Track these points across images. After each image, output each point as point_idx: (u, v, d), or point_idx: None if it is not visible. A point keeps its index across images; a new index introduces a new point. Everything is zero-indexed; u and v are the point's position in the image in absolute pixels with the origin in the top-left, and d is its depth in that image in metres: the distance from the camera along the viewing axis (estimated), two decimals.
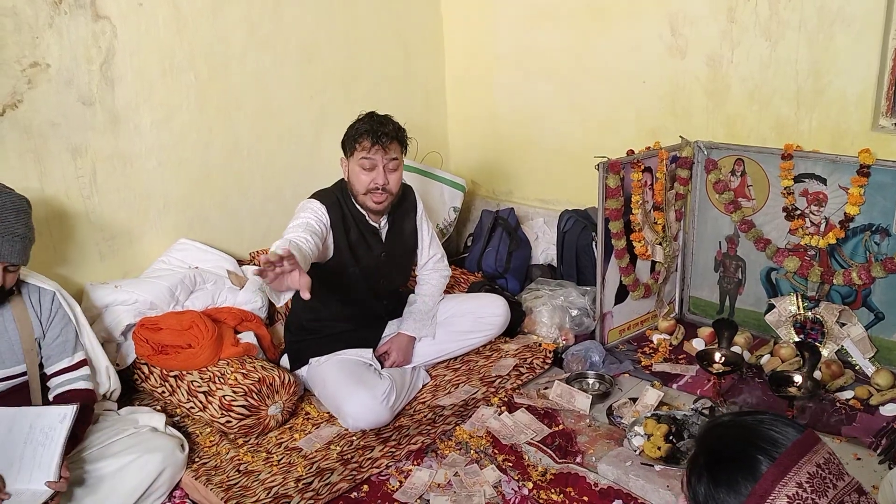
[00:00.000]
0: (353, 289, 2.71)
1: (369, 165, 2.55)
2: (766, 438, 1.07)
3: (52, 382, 2.27)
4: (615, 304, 3.16)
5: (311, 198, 2.63)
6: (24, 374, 2.21)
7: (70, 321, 2.31)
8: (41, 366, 2.26)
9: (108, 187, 2.83)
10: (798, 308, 2.99)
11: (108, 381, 2.45)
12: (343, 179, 2.70)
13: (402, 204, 2.80)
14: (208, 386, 2.49)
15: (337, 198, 2.64)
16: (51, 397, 2.26)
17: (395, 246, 2.79)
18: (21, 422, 2.06)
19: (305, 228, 2.45)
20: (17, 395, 2.19)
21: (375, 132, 2.53)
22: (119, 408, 2.49)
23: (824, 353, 2.88)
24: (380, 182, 2.56)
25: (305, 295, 1.96)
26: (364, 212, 2.67)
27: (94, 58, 2.69)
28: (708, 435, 1.16)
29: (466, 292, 3.36)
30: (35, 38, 2.54)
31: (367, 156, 2.54)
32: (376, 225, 2.72)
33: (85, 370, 2.33)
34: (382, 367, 2.73)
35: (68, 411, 2.06)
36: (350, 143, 2.58)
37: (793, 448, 1.05)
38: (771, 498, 1.02)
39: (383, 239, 2.74)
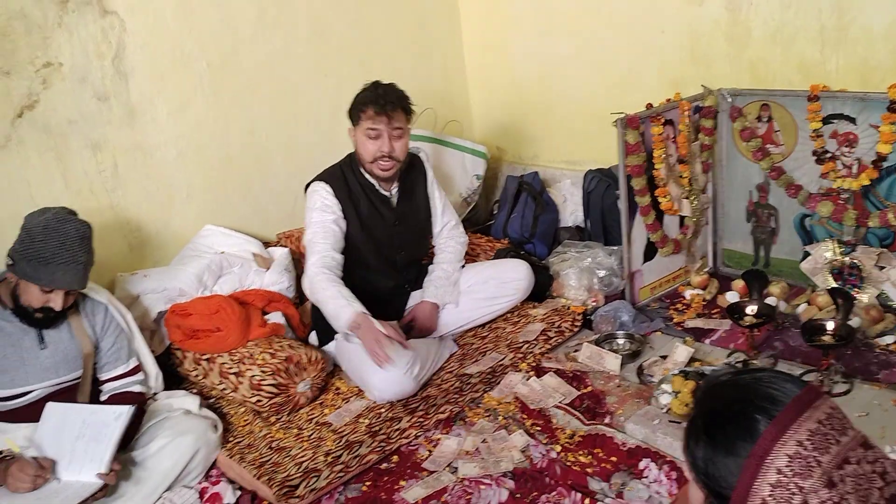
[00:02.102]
0: (372, 261, 2.74)
1: (374, 135, 2.60)
2: (765, 396, 1.03)
3: (106, 387, 2.37)
4: (644, 261, 3.11)
5: (316, 180, 2.68)
6: (77, 378, 2.30)
7: (123, 330, 2.40)
8: (95, 371, 2.34)
9: (130, 179, 2.89)
10: (834, 254, 2.90)
11: (156, 385, 2.54)
12: (352, 153, 2.73)
13: (411, 171, 2.83)
14: (238, 367, 2.54)
15: (342, 172, 2.70)
16: (103, 398, 2.35)
17: (408, 213, 2.82)
18: (73, 417, 2.15)
19: (325, 238, 2.58)
20: (65, 394, 2.28)
21: (379, 101, 2.58)
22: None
23: (864, 298, 2.79)
24: (385, 150, 2.62)
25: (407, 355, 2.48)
26: (373, 181, 2.70)
27: (106, 53, 2.74)
28: (705, 397, 1.12)
29: (493, 259, 3.34)
30: (45, 38, 2.59)
31: (372, 126, 2.60)
32: (387, 193, 2.75)
33: (140, 375, 2.42)
34: (408, 337, 2.74)
35: (124, 410, 2.14)
36: (355, 112, 2.64)
37: (791, 405, 1.01)
38: (770, 458, 0.98)
39: (395, 205, 2.77)
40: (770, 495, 0.97)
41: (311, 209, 2.67)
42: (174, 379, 2.73)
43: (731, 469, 1.01)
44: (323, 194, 2.66)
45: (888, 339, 2.60)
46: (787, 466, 0.97)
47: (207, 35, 3.01)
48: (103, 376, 2.36)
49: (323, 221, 2.62)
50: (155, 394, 2.51)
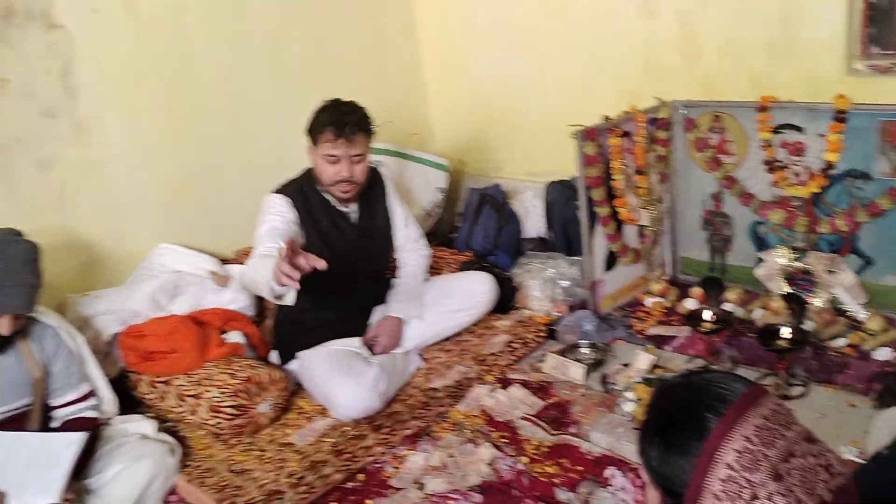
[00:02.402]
0: (333, 277, 2.69)
1: (333, 160, 2.54)
2: (714, 396, 1.06)
3: (57, 413, 2.28)
4: (605, 271, 3.13)
5: (274, 192, 2.62)
6: (27, 405, 2.21)
7: (74, 354, 2.32)
8: (45, 397, 2.25)
9: (80, 198, 2.80)
10: (787, 260, 2.96)
11: (111, 410, 2.45)
12: (310, 168, 2.69)
13: (371, 186, 2.79)
14: (196, 389, 2.48)
15: (301, 187, 2.64)
16: (55, 425, 2.27)
17: (369, 229, 2.78)
18: (23, 446, 2.07)
19: (271, 235, 2.46)
20: (15, 422, 2.19)
21: (339, 124, 2.49)
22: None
23: (817, 302, 2.85)
24: (345, 175, 2.56)
25: (321, 264, 2.06)
26: (330, 197, 2.66)
27: (52, 68, 2.66)
28: (657, 399, 1.16)
29: (457, 272, 3.33)
30: None
31: (330, 152, 2.53)
32: (346, 210, 2.71)
33: (93, 400, 2.34)
34: (373, 354, 2.71)
35: (76, 437, 2.07)
36: (314, 133, 2.56)
37: (738, 403, 1.04)
38: (720, 454, 1.01)
39: (356, 221, 2.73)
40: (721, 490, 1.00)
41: (263, 215, 2.58)
42: (129, 403, 2.64)
43: (683, 467, 1.04)
44: (280, 203, 2.58)
45: (841, 342, 2.66)
46: (735, 461, 1.00)
47: (160, 49, 2.95)
48: (54, 402, 2.27)
49: (272, 222, 2.52)
50: (109, 419, 2.43)
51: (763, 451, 1.00)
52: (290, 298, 2.21)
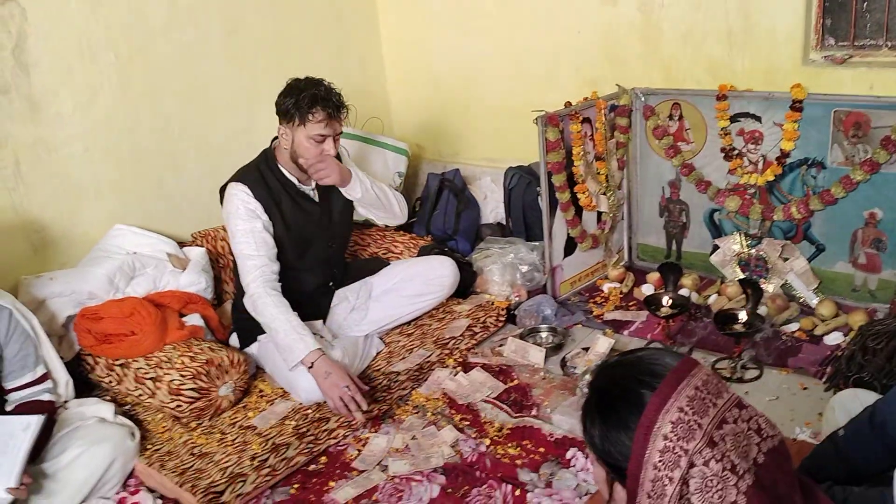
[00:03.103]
0: (301, 259, 2.68)
1: (321, 139, 2.49)
2: (647, 372, 1.11)
3: (12, 396, 2.21)
4: (564, 256, 3.17)
5: (232, 181, 2.56)
6: None
7: (29, 336, 2.25)
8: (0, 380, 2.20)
9: (33, 177, 2.72)
10: (741, 246, 3.03)
11: (66, 393, 2.39)
12: (267, 150, 2.65)
13: None
14: (155, 372, 2.44)
15: (259, 171, 2.59)
16: (9, 409, 2.20)
17: (330, 205, 2.75)
18: None
19: (258, 249, 2.49)
20: None
21: (328, 104, 2.46)
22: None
23: (769, 288, 2.93)
24: (332, 153, 2.53)
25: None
26: (294, 177, 2.62)
27: (5, 43, 2.57)
28: (595, 378, 1.20)
29: (417, 256, 3.33)
30: None
31: (322, 131, 2.47)
32: (307, 188, 2.68)
33: (48, 383, 2.28)
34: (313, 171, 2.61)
35: (33, 420, 2.02)
36: (300, 112, 2.45)
37: (671, 376, 1.09)
38: (657, 426, 1.05)
39: (317, 199, 2.71)
40: (660, 461, 1.04)
41: (233, 216, 2.52)
42: (85, 386, 2.59)
43: (624, 442, 1.08)
44: (243, 197, 2.52)
45: (793, 327, 2.75)
46: (671, 432, 1.05)
47: (116, 26, 2.87)
48: (9, 385, 2.21)
49: (252, 231, 2.49)
50: (65, 402, 2.38)
51: (697, 420, 1.05)
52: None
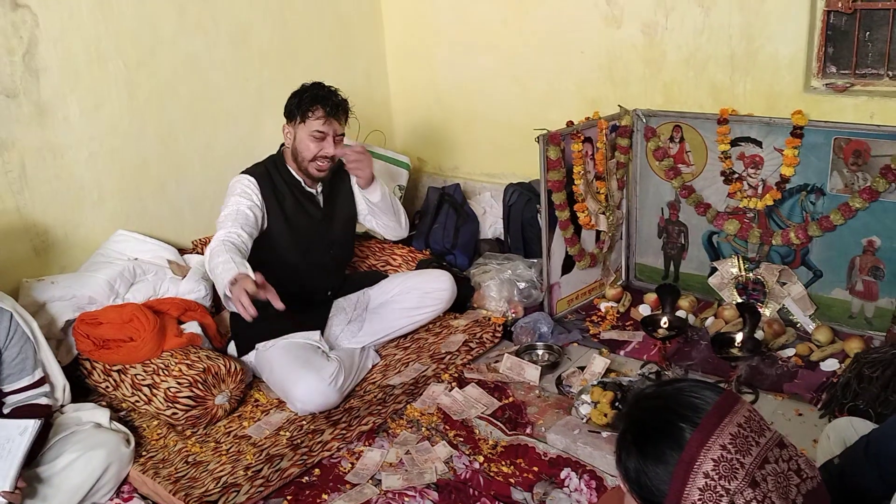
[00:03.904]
0: (300, 262, 2.71)
1: (320, 136, 2.62)
2: (687, 405, 1.09)
3: (9, 399, 2.23)
4: (562, 274, 3.18)
5: (241, 173, 2.68)
6: None
7: (28, 339, 2.27)
8: None
9: (38, 181, 2.75)
10: (739, 270, 3.05)
11: (63, 397, 2.41)
12: (276, 154, 2.75)
13: (336, 176, 2.84)
14: (152, 378, 2.45)
15: (268, 168, 2.71)
16: (6, 411, 2.21)
17: (335, 212, 2.82)
18: None
19: (236, 219, 2.49)
20: None
21: (330, 103, 2.60)
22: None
23: (766, 312, 2.94)
24: (329, 152, 2.64)
25: (279, 305, 2.18)
26: (300, 178, 2.72)
27: (16, 48, 2.60)
28: (632, 410, 1.17)
29: (415, 270, 3.35)
30: None
31: (321, 128, 2.61)
32: (312, 191, 2.77)
33: (46, 387, 2.30)
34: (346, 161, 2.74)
35: (30, 424, 2.02)
36: (302, 109, 2.62)
37: (713, 411, 1.07)
38: (698, 463, 1.03)
39: (322, 204, 2.78)
40: (699, 499, 1.02)
41: (229, 195, 2.63)
42: (81, 391, 2.61)
43: (661, 477, 1.06)
44: (245, 183, 2.63)
45: (789, 352, 2.75)
46: (713, 470, 1.03)
47: (125, 34, 2.90)
48: (6, 388, 2.22)
49: (237, 204, 2.56)
50: (62, 406, 2.39)
51: (739, 459, 1.03)
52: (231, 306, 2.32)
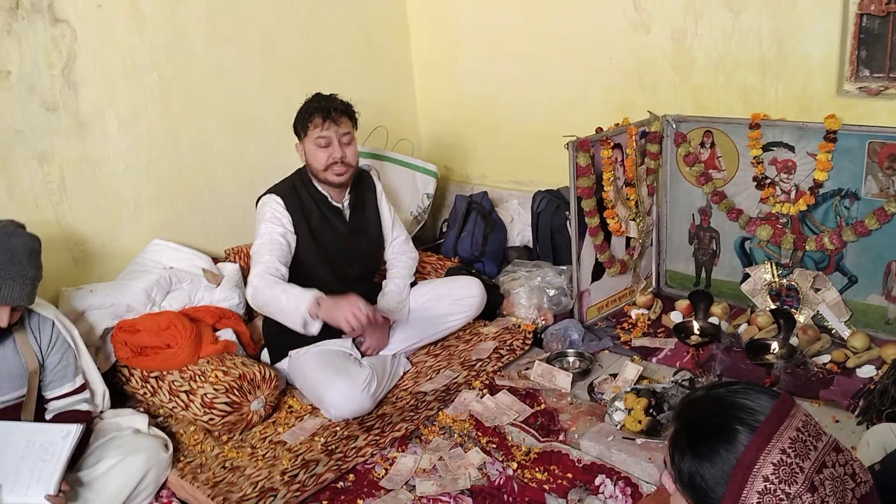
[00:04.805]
0: (324, 275, 2.73)
1: (325, 143, 2.65)
2: (742, 408, 1.09)
3: (51, 405, 2.28)
4: (592, 281, 3.18)
5: (266, 193, 2.72)
6: (22, 397, 2.21)
7: (70, 347, 2.32)
8: (39, 389, 2.25)
9: (77, 192, 2.81)
10: (772, 276, 3.02)
11: (103, 404, 2.45)
12: (302, 168, 2.78)
13: (361, 185, 2.88)
14: (189, 385, 2.49)
15: (293, 184, 2.74)
16: (48, 417, 2.26)
17: (360, 227, 2.84)
18: (17, 436, 2.07)
19: (271, 250, 2.57)
20: (8, 414, 2.18)
21: (324, 108, 2.63)
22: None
23: (800, 318, 2.91)
24: (337, 156, 2.65)
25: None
26: (326, 192, 2.75)
27: (56, 62, 2.67)
28: (685, 411, 1.17)
29: (444, 277, 3.36)
30: None
31: (321, 134, 2.63)
32: (339, 205, 2.79)
33: (86, 393, 2.35)
34: (362, 356, 2.74)
35: (72, 429, 2.07)
36: (302, 124, 2.68)
37: (772, 415, 1.07)
38: (757, 467, 1.04)
39: (347, 218, 2.80)
40: (758, 502, 1.03)
41: (260, 220, 2.68)
42: (119, 397, 2.64)
43: (717, 479, 1.06)
44: (273, 206, 2.67)
45: (824, 358, 2.72)
46: (773, 474, 1.03)
47: (159, 47, 2.96)
48: (49, 395, 2.27)
49: (271, 233, 2.62)
50: (101, 412, 2.44)
51: (798, 464, 1.03)
52: (315, 328, 2.43)
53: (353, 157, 2.72)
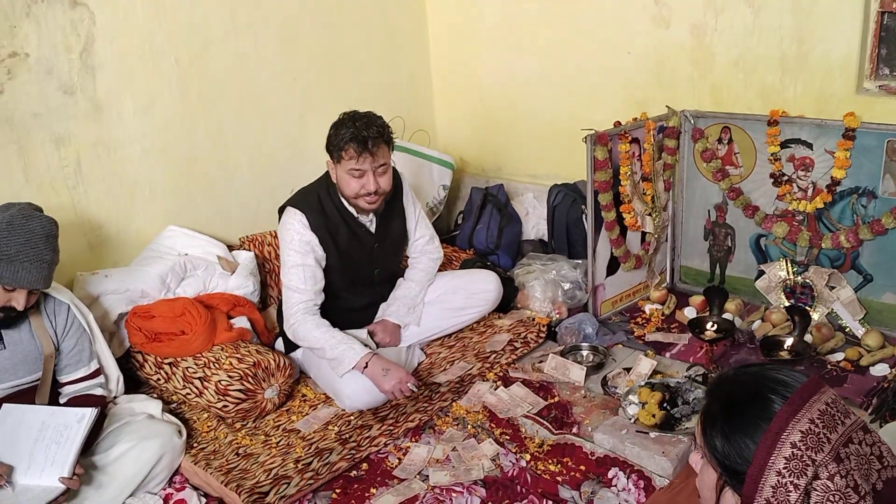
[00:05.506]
0: (348, 282, 2.71)
1: (359, 174, 2.48)
2: (775, 380, 1.13)
3: (66, 389, 2.29)
4: (607, 276, 3.17)
5: (290, 206, 2.58)
6: (37, 380, 2.22)
7: (85, 331, 2.33)
8: (54, 373, 2.26)
9: (93, 176, 2.81)
10: (787, 273, 3.01)
11: (117, 389, 2.46)
12: (328, 175, 2.63)
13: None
14: (203, 372, 2.49)
15: (319, 197, 2.59)
16: (62, 401, 2.28)
17: (386, 234, 2.76)
18: (31, 419, 2.08)
19: (306, 280, 2.55)
20: (23, 397, 2.20)
21: (360, 139, 2.41)
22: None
23: (815, 316, 2.90)
24: (371, 188, 2.49)
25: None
26: (352, 209, 2.61)
27: (74, 46, 2.66)
28: (717, 386, 1.22)
29: (459, 269, 3.36)
30: (13, 27, 2.50)
31: (355, 167, 2.46)
32: (365, 218, 2.67)
33: (100, 378, 2.36)
34: (377, 347, 2.73)
35: (87, 413, 2.08)
36: (335, 149, 2.47)
37: (803, 388, 1.11)
38: (786, 433, 1.07)
39: (374, 231, 2.70)
40: (785, 467, 1.06)
41: (287, 245, 2.55)
42: (133, 383, 2.66)
43: (748, 445, 1.10)
44: (299, 228, 2.53)
45: (838, 356, 2.71)
46: (801, 441, 1.07)
47: (178, 32, 2.95)
48: (64, 379, 2.28)
49: (304, 265, 2.53)
50: (115, 397, 2.44)
51: (826, 434, 1.07)
52: (349, 378, 2.50)
53: (388, 184, 2.54)
